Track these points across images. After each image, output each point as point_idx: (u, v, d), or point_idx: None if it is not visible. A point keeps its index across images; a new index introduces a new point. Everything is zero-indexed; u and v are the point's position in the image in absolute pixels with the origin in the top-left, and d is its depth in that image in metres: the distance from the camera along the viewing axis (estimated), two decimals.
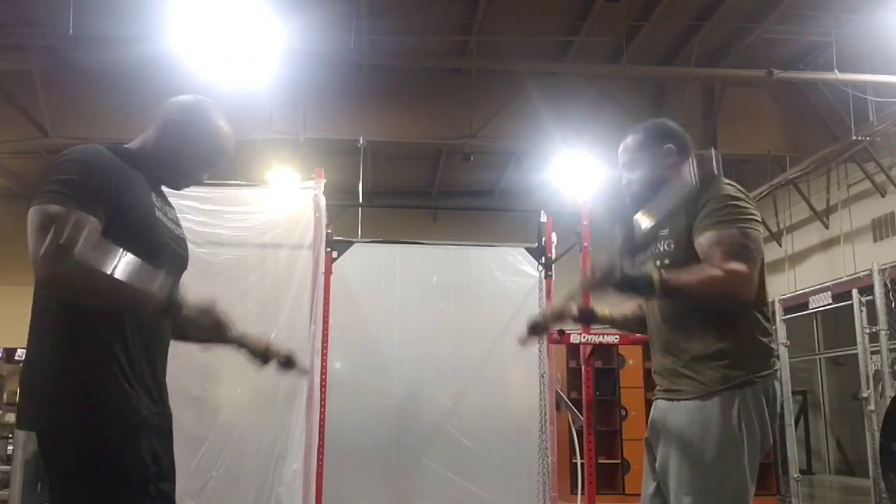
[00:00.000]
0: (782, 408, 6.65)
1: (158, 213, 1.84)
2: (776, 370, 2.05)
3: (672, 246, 2.07)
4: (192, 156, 1.93)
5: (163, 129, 1.90)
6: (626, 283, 1.91)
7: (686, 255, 2.03)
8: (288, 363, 2.08)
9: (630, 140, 2.25)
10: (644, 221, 2.07)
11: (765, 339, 2.04)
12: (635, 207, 2.18)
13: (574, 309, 2.25)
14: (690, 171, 2.18)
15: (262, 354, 2.03)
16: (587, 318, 2.29)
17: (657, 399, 2.17)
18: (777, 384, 2.06)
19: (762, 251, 2.03)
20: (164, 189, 1.98)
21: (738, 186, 2.09)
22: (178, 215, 2.01)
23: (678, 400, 2.04)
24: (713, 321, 2.02)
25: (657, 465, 2.08)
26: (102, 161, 1.74)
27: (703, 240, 1.99)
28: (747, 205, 2.03)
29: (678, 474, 1.98)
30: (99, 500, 1.65)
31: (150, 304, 1.67)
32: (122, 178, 1.75)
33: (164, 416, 1.85)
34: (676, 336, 2.07)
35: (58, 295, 1.67)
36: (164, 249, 1.83)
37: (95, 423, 1.65)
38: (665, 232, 2.09)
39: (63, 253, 1.54)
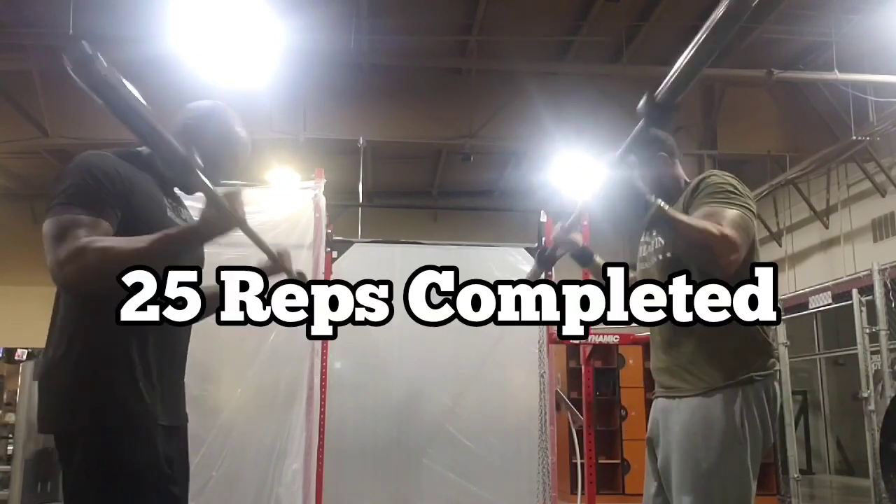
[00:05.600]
0: (782, 408, 6.65)
1: (171, 214, 1.85)
2: (775, 371, 2.05)
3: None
4: (206, 161, 1.92)
5: (179, 132, 1.90)
6: (634, 187, 1.90)
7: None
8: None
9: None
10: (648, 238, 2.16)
11: (763, 336, 2.05)
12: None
13: (580, 240, 2.28)
14: (682, 172, 2.23)
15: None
16: (584, 258, 2.31)
17: (657, 398, 2.16)
18: (776, 385, 2.06)
19: (754, 235, 2.01)
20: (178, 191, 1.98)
21: (731, 175, 2.09)
22: None
23: (680, 397, 2.04)
24: None
25: (658, 464, 2.08)
26: (107, 167, 1.73)
27: (700, 211, 1.97)
28: (742, 191, 2.03)
29: (680, 472, 1.97)
30: (113, 502, 1.66)
31: (186, 229, 1.73)
32: (129, 183, 1.74)
33: (179, 420, 1.86)
34: (677, 333, 2.07)
35: (88, 293, 1.64)
36: None
37: (111, 425, 1.66)
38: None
39: (79, 251, 1.56)
